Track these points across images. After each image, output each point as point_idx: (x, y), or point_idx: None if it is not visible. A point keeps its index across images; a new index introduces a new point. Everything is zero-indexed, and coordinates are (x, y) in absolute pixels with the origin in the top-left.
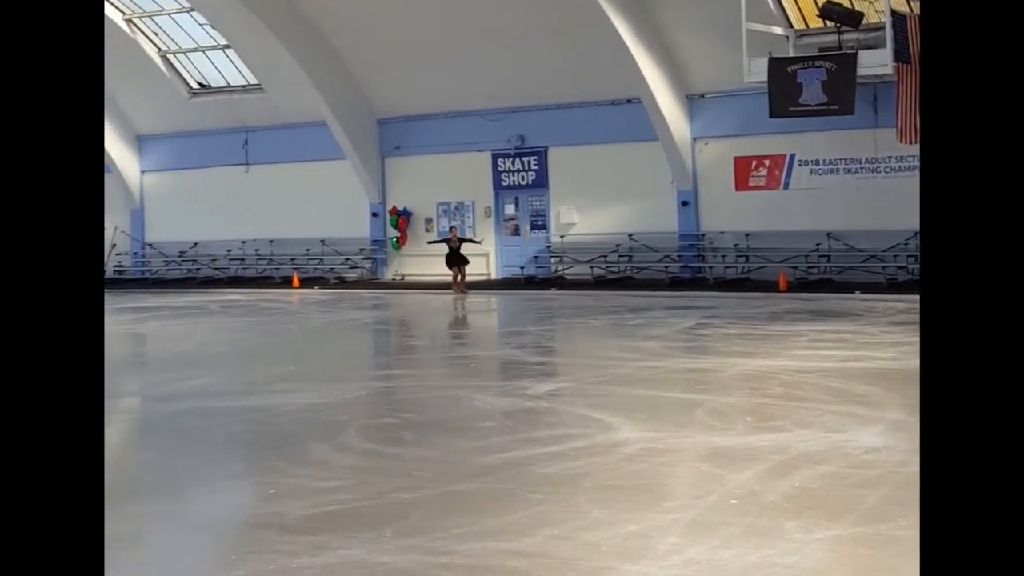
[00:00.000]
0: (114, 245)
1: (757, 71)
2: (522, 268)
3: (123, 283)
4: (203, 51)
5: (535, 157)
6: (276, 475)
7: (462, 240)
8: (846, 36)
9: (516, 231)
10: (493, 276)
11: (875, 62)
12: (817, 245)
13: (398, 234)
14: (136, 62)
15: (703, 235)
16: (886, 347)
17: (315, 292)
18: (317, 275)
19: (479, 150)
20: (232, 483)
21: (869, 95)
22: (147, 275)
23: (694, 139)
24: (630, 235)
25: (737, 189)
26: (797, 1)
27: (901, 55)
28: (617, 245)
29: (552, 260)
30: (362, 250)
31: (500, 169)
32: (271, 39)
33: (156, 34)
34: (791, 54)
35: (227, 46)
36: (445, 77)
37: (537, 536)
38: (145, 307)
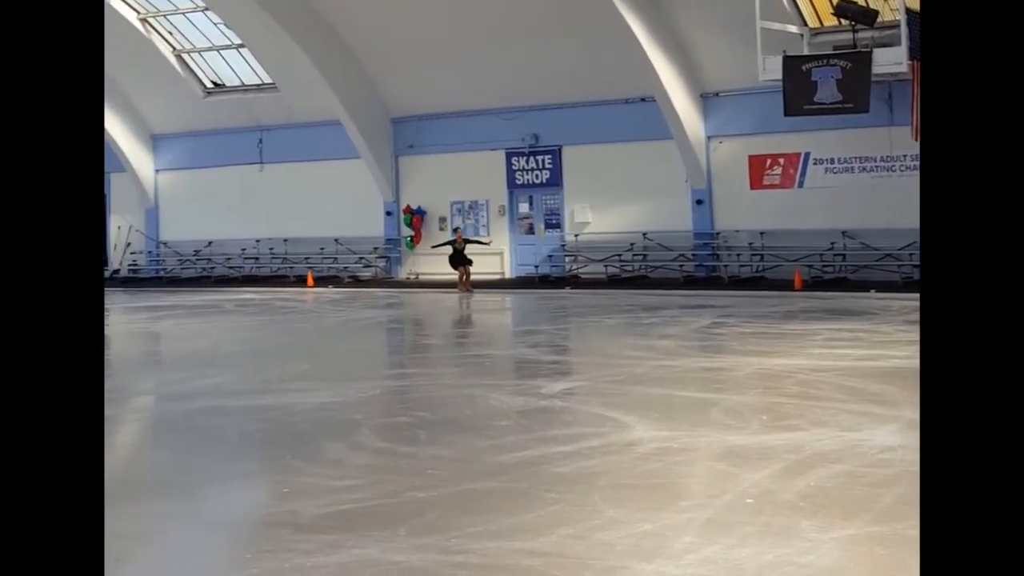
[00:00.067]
0: (129, 244)
1: (772, 69)
2: (536, 267)
3: (138, 282)
4: (218, 50)
5: (549, 156)
6: (291, 474)
7: (467, 241)
8: (861, 34)
9: (530, 230)
10: (507, 275)
11: (890, 60)
12: (832, 244)
13: (412, 233)
14: (151, 61)
15: (718, 234)
16: (901, 346)
17: (329, 291)
18: (331, 274)
19: (493, 149)
20: (247, 482)
21: (884, 93)
22: (162, 274)
23: (708, 138)
24: (644, 234)
25: (752, 188)
26: None
27: (916, 53)
28: (631, 244)
29: (566, 259)
30: (376, 249)
31: (514, 168)
32: (285, 38)
33: (171, 33)
34: (806, 52)
35: (241, 45)
36: (459, 76)
37: (552, 535)
38: (160, 306)
